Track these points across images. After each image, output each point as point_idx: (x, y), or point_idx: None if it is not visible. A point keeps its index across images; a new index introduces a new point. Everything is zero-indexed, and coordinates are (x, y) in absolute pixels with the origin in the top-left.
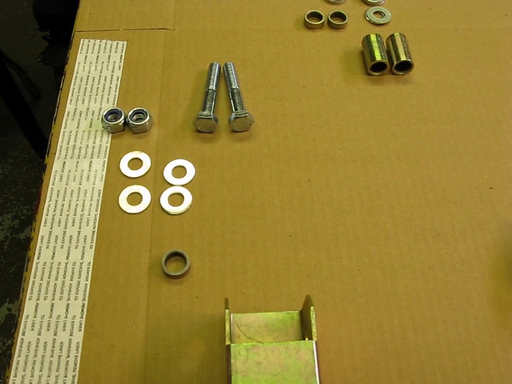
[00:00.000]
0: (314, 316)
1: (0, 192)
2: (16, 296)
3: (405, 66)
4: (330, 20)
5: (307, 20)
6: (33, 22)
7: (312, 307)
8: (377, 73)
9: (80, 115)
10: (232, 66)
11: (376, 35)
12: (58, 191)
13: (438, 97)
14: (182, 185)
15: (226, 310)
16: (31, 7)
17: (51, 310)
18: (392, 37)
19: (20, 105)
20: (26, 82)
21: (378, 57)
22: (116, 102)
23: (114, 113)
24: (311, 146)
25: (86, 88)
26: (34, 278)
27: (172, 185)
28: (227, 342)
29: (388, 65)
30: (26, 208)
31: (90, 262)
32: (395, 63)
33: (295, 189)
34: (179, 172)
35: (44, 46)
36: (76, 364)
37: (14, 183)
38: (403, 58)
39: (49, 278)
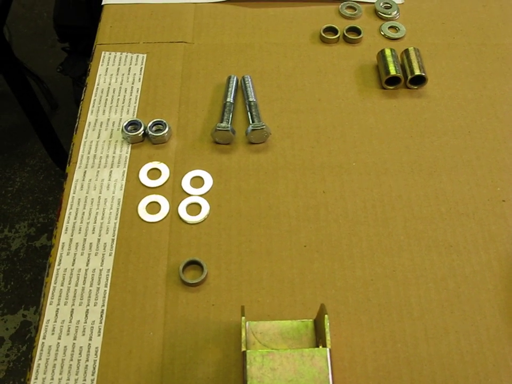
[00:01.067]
0: (328, 324)
1: (17, 200)
2: (31, 303)
3: (419, 81)
4: (346, 35)
5: (323, 34)
6: (52, 34)
7: (326, 315)
8: (391, 87)
9: (100, 125)
10: (249, 79)
11: (391, 49)
12: (79, 199)
13: (452, 111)
14: (200, 195)
15: (243, 317)
16: (51, 19)
17: (71, 315)
18: (406, 51)
19: (38, 114)
20: (44, 92)
21: (392, 72)
22: (135, 113)
23: (134, 124)
24: (326, 158)
25: (106, 99)
26: (55, 283)
27: (189, 195)
28: (243, 349)
29: (402, 79)
30: (43, 216)
31: (109, 269)
32: (409, 77)
33: (310, 200)
34: (197, 182)
35: (61, 57)
36: (94, 368)
37: (30, 192)
38: (417, 72)
39: (69, 284)
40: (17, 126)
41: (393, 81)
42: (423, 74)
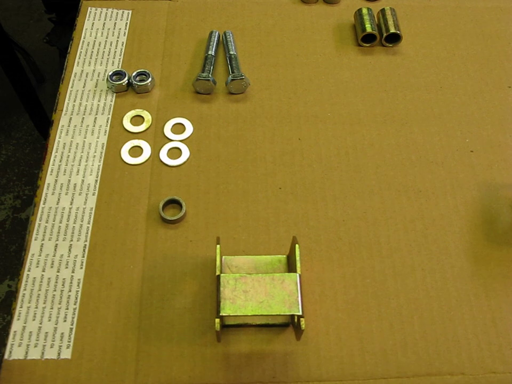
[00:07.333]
0: (299, 252)
1: (3, 173)
2: (17, 274)
3: (394, 39)
4: None
5: None
6: (38, 7)
7: (297, 244)
8: (367, 45)
9: (86, 76)
10: (230, 34)
11: (368, 8)
12: (64, 143)
13: (425, 67)
14: (181, 141)
15: (218, 245)
16: None
17: (55, 250)
18: (382, 10)
19: (25, 87)
20: (31, 65)
21: (368, 29)
22: (120, 65)
23: (118, 74)
24: (302, 109)
25: (92, 52)
26: (40, 221)
27: (171, 140)
28: (217, 273)
29: (377, 37)
30: (28, 189)
31: (92, 208)
32: (384, 34)
33: (286, 146)
34: (178, 128)
35: (48, 31)
36: (76, 298)
37: (16, 164)
38: (392, 30)
39: (53, 221)
40: (3, 99)
41: (369, 38)
42: (398, 32)
